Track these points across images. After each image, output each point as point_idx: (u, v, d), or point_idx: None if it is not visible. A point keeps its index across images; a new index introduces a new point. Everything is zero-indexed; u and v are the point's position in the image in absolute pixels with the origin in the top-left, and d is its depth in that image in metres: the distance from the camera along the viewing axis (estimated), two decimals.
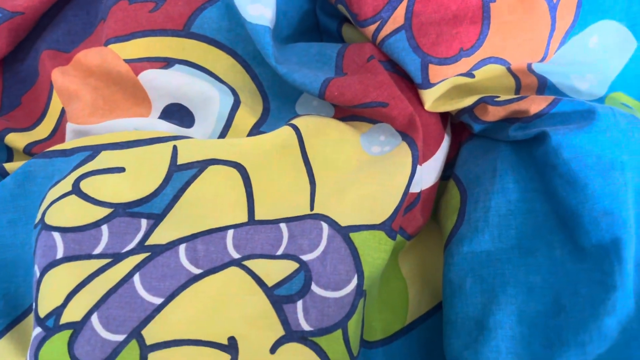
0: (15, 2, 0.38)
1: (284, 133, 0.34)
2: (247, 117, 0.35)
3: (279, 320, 0.29)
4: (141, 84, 0.36)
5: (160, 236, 0.30)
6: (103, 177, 0.31)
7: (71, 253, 0.29)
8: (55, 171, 0.32)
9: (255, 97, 0.37)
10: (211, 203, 0.31)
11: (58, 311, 0.28)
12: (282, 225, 0.31)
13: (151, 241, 0.30)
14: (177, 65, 0.36)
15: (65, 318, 0.28)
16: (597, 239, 0.30)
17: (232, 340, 0.28)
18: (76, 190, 0.31)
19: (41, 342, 0.28)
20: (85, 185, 0.31)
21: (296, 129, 0.34)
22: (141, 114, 0.36)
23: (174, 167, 0.32)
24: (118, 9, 0.37)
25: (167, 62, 0.36)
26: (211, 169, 0.32)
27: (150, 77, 0.36)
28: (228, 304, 0.29)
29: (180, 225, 0.31)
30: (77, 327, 0.28)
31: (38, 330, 0.28)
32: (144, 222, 0.31)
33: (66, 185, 0.31)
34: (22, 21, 0.38)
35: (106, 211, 0.30)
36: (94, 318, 0.28)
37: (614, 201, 0.30)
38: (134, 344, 0.28)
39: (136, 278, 0.29)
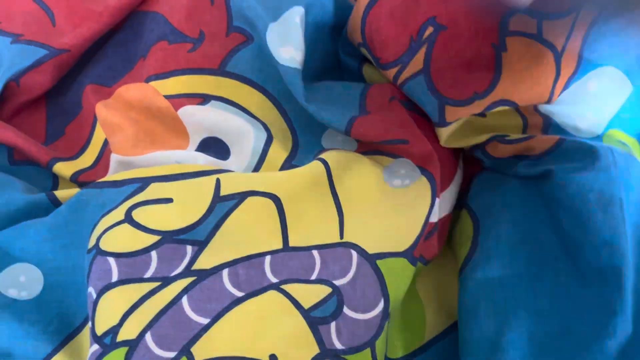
0: (61, 40, 0.41)
1: (315, 167, 0.37)
2: (279, 151, 0.39)
3: (314, 339, 0.32)
4: (180, 118, 0.39)
5: (204, 261, 0.33)
6: (153, 207, 0.34)
7: (125, 277, 0.32)
8: (107, 200, 0.35)
9: (285, 132, 0.40)
10: (249, 231, 0.34)
11: (114, 330, 0.31)
12: (315, 252, 0.34)
13: (197, 266, 0.33)
14: (212, 101, 0.39)
15: (122, 336, 0.31)
16: (599, 268, 0.32)
17: (274, 357, 0.31)
18: (128, 219, 0.34)
19: (99, 357, 0.31)
20: (137, 215, 0.34)
21: (325, 163, 0.37)
22: (180, 146, 0.39)
23: (217, 198, 0.35)
24: (159, 49, 0.41)
25: (203, 99, 0.39)
26: (249, 199, 0.35)
27: (189, 112, 0.39)
28: (269, 324, 0.32)
29: (222, 251, 0.34)
30: (133, 345, 0.31)
31: (95, 347, 0.31)
32: (189, 249, 0.33)
33: (119, 214, 0.34)
34: (67, 58, 0.41)
35: (155, 238, 0.33)
36: (148, 336, 0.31)
37: (614, 234, 0.32)
38: None
39: (184, 300, 0.32)
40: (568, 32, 0.36)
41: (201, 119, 0.39)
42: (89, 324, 0.32)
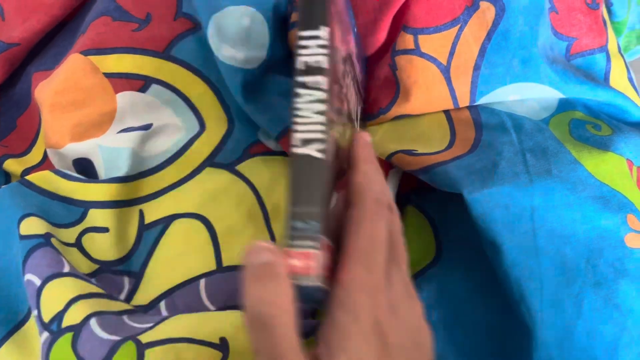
0: (11, 33, 0.41)
1: (238, 186, 0.37)
2: (204, 146, 0.38)
3: None
4: (117, 102, 0.38)
5: (141, 297, 0.34)
6: (95, 235, 0.35)
7: (76, 273, 0.33)
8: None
9: (222, 121, 0.39)
10: (182, 254, 0.35)
11: (59, 316, 0.31)
12: None
13: (134, 302, 0.34)
14: (154, 85, 0.38)
15: (67, 322, 0.31)
16: (510, 289, 0.33)
17: (224, 340, 0.31)
18: (78, 244, 0.35)
19: (50, 345, 0.30)
20: (85, 240, 0.35)
21: (248, 181, 0.37)
22: (103, 127, 0.38)
23: (143, 227, 0.35)
24: (101, 23, 0.40)
25: (144, 82, 0.38)
26: (176, 223, 0.35)
27: (126, 99, 0.38)
28: (216, 315, 0.32)
29: (158, 281, 0.34)
30: (77, 329, 0.31)
31: (45, 334, 0.31)
32: (126, 280, 0.34)
33: (71, 237, 0.35)
34: (17, 52, 0.41)
35: (95, 266, 0.34)
36: (93, 321, 0.31)
37: (519, 252, 0.32)
38: (130, 343, 0.30)
39: (126, 318, 0.32)
40: (452, 45, 0.37)
41: (135, 110, 0.38)
42: (34, 312, 0.32)
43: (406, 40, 0.37)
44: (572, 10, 0.40)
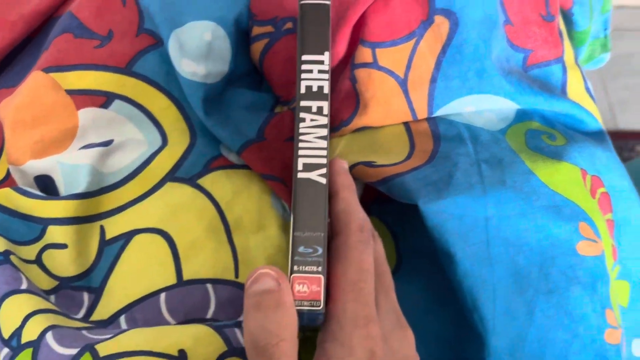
0: None
1: (198, 201, 0.37)
2: (166, 161, 0.38)
3: (221, 338, 0.31)
4: (78, 119, 0.38)
5: (101, 311, 0.34)
6: (54, 252, 0.35)
7: (34, 290, 0.33)
8: None
9: (184, 134, 0.39)
10: (142, 269, 0.35)
11: (18, 332, 0.31)
12: (209, 286, 0.35)
13: (94, 317, 0.34)
14: (116, 101, 0.39)
15: (25, 337, 0.31)
16: (464, 299, 0.33)
17: (182, 352, 0.31)
18: (38, 261, 0.35)
19: None
20: (45, 257, 0.35)
21: (209, 195, 0.37)
22: (65, 143, 0.38)
23: (104, 243, 0.36)
24: (63, 40, 0.40)
25: (107, 97, 0.39)
26: (137, 238, 0.36)
27: (88, 116, 0.38)
28: (176, 328, 0.32)
29: (118, 296, 0.34)
30: (35, 345, 0.31)
31: (6, 351, 0.31)
32: (85, 296, 0.35)
33: (31, 254, 0.35)
34: None
35: (55, 283, 0.34)
36: (49, 335, 0.31)
37: (474, 262, 0.33)
38: (87, 356, 0.30)
39: (84, 332, 0.32)
40: (408, 58, 0.37)
41: (97, 126, 0.38)
42: None
43: (364, 54, 0.38)
44: (528, 22, 0.41)
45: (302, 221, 0.26)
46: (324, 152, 0.27)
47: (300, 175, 0.26)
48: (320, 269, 0.25)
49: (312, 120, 0.27)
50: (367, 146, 0.39)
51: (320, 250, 0.25)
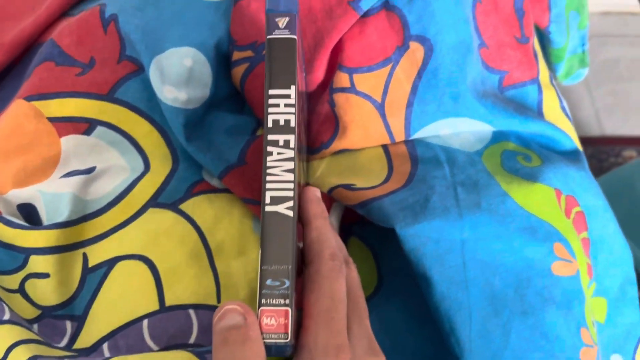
0: None
1: (180, 226, 0.37)
2: (147, 186, 0.38)
3: None
4: (61, 146, 0.39)
5: (84, 340, 0.34)
6: (36, 281, 0.36)
7: (16, 319, 0.33)
8: None
9: (167, 159, 0.40)
10: (125, 296, 0.35)
11: None
12: (191, 312, 0.36)
13: (77, 345, 0.34)
14: (99, 127, 0.39)
15: None
16: (441, 322, 0.34)
17: None
18: (21, 290, 0.35)
19: None
20: (27, 286, 0.35)
21: (191, 220, 0.38)
22: (47, 172, 0.38)
23: (87, 270, 0.36)
24: (44, 69, 0.40)
25: (89, 124, 0.39)
26: (120, 265, 0.36)
27: (70, 143, 0.39)
28: (159, 355, 0.33)
29: (101, 323, 0.35)
30: None
31: None
32: (68, 324, 0.35)
33: (14, 283, 0.35)
34: None
35: (38, 312, 0.35)
36: None
37: (450, 285, 0.33)
38: None
39: None
40: (385, 83, 0.38)
41: (79, 153, 0.39)
42: None
43: (342, 79, 0.39)
44: (502, 45, 0.42)
45: (270, 254, 0.26)
46: (291, 185, 0.27)
47: (267, 208, 0.27)
48: (287, 301, 0.25)
49: (279, 153, 0.28)
50: (346, 168, 0.39)
51: (287, 283, 0.26)
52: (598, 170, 1.28)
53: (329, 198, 0.40)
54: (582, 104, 1.39)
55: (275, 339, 0.25)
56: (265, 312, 0.25)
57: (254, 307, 0.26)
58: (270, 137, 0.27)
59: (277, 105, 0.28)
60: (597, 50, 1.48)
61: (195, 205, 0.38)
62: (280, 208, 0.27)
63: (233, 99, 0.44)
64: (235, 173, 0.38)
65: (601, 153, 1.31)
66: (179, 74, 0.40)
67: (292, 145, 0.27)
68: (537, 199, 0.37)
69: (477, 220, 0.35)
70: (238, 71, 0.42)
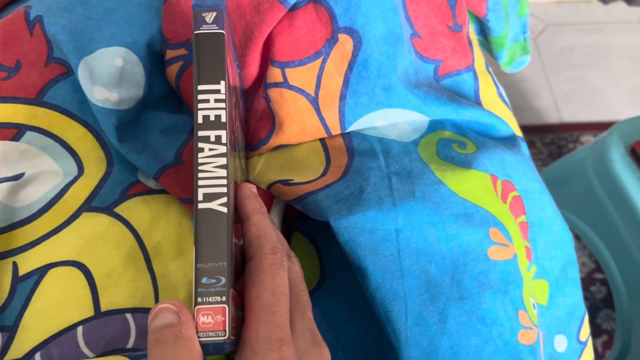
0: None
1: (116, 230, 0.37)
2: (81, 190, 0.38)
3: None
4: None
5: (15, 350, 0.33)
6: None
7: None
8: None
9: (101, 162, 0.39)
10: (58, 304, 0.34)
11: None
12: (129, 316, 0.35)
13: (8, 357, 0.33)
14: (28, 132, 0.38)
15: None
16: (377, 312, 0.34)
17: None
18: None
19: None
20: None
21: (127, 223, 0.37)
22: None
23: (17, 279, 0.35)
24: None
25: (18, 130, 0.38)
26: (52, 272, 0.35)
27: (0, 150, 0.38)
28: None
29: (33, 332, 0.34)
30: None
31: None
32: None
33: None
34: None
35: None
36: None
37: (384, 275, 0.33)
38: None
39: None
40: (317, 77, 0.38)
41: (8, 159, 0.38)
42: None
43: (275, 74, 0.38)
44: (435, 34, 0.42)
45: (204, 252, 0.26)
46: (224, 182, 0.27)
47: (200, 205, 0.26)
48: (224, 299, 0.25)
49: (210, 149, 0.27)
50: (285, 164, 0.39)
51: (223, 280, 0.25)
52: (558, 156, 1.31)
53: (270, 194, 0.39)
54: (541, 92, 1.42)
55: (213, 336, 0.25)
56: (201, 311, 0.25)
57: (191, 307, 0.25)
58: (201, 133, 0.27)
59: (207, 101, 0.27)
60: (553, 38, 1.51)
61: (131, 208, 0.38)
62: (214, 205, 0.26)
63: (170, 99, 0.44)
64: (171, 173, 0.37)
65: (560, 139, 1.34)
66: (109, 74, 0.39)
67: (223, 140, 0.27)
68: (471, 185, 0.37)
69: (410, 209, 0.35)
70: (172, 70, 0.41)
